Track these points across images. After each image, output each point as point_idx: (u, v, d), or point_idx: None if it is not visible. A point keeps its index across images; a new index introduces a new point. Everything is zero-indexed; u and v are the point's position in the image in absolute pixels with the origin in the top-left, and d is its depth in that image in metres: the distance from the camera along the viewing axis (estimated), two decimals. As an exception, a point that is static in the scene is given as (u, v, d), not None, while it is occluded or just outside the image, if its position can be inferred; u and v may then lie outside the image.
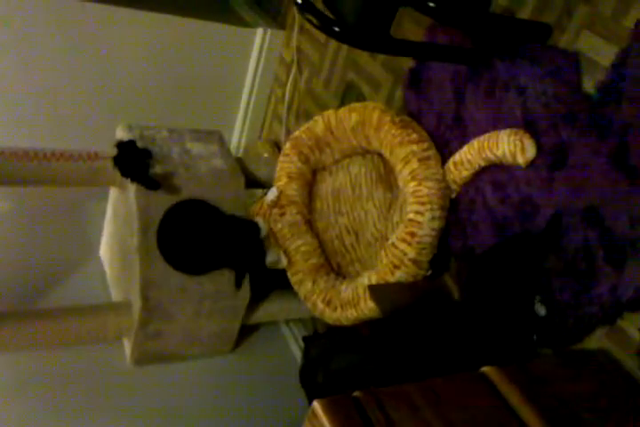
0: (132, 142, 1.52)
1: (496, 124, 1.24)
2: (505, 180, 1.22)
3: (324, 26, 1.14)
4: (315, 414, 0.85)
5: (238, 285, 1.59)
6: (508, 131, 1.19)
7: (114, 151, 1.51)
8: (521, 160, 1.16)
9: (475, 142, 1.26)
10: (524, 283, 1.15)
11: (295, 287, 1.58)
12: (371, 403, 0.85)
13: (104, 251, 1.91)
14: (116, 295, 1.76)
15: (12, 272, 1.78)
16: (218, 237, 1.55)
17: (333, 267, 1.60)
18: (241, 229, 1.58)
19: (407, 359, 1.13)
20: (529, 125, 1.17)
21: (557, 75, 1.13)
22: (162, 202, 1.55)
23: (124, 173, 1.50)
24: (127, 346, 1.63)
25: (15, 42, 1.86)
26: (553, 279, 1.11)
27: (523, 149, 1.15)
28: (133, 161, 1.50)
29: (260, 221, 1.60)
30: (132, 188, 1.55)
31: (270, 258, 1.57)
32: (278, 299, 1.77)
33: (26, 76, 1.92)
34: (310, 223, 1.64)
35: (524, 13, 1.24)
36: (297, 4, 1.17)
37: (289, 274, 1.60)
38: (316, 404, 0.84)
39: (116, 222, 1.79)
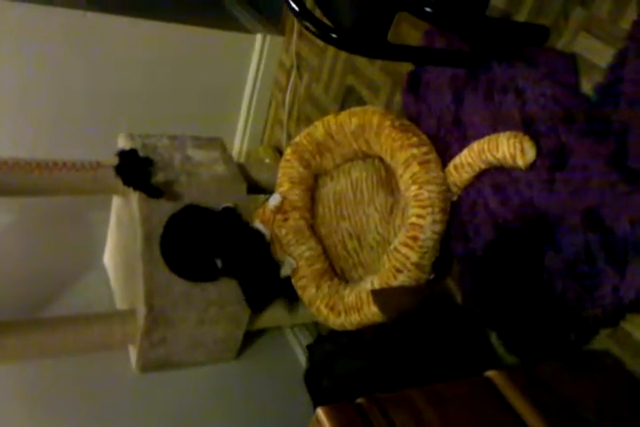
0: (133, 151, 1.54)
1: (495, 126, 1.24)
2: (505, 182, 1.22)
3: (322, 33, 1.14)
4: (318, 421, 0.85)
5: (253, 306, 1.58)
6: (507, 133, 1.19)
7: (115, 160, 1.52)
8: (521, 162, 1.16)
9: (475, 145, 1.26)
10: (526, 283, 1.15)
11: (299, 293, 1.58)
12: (373, 409, 0.85)
13: (108, 259, 1.92)
14: (120, 303, 1.77)
15: (16, 282, 1.78)
16: (221, 245, 1.55)
17: (337, 271, 1.60)
18: (246, 238, 1.58)
19: (411, 364, 1.13)
20: (528, 128, 1.17)
21: (555, 77, 1.14)
22: (164, 209, 1.56)
23: (126, 182, 1.51)
24: (132, 353, 1.64)
25: (18, 52, 1.87)
26: (555, 281, 1.11)
27: (522, 152, 1.15)
28: (135, 169, 1.51)
29: (260, 226, 1.60)
30: (134, 196, 1.55)
31: (286, 270, 1.56)
32: (282, 305, 1.77)
33: (27, 85, 1.94)
34: (313, 228, 1.64)
35: (521, 16, 1.24)
36: (294, 11, 1.17)
37: (293, 280, 1.60)
38: (319, 410, 0.85)
39: (119, 230, 1.80)
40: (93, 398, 1.57)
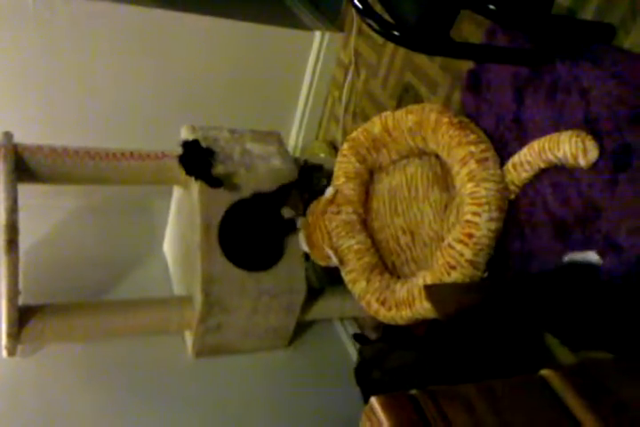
0: (196, 142, 1.58)
1: (557, 125, 1.23)
2: (566, 182, 1.21)
3: (385, 30, 1.15)
4: (372, 410, 0.87)
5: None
6: (569, 132, 1.18)
7: (179, 150, 1.57)
8: (582, 162, 1.14)
9: (535, 144, 1.25)
10: (583, 285, 1.14)
11: (349, 286, 1.60)
12: (427, 401, 0.86)
13: (167, 246, 1.99)
14: (178, 289, 1.84)
15: (80, 265, 1.88)
16: (274, 231, 1.59)
17: (388, 266, 1.61)
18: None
19: (462, 360, 1.14)
20: (591, 127, 1.15)
21: (621, 76, 1.11)
22: (223, 200, 1.61)
23: (189, 172, 1.56)
24: (188, 339, 1.70)
25: (86, 49, 1.95)
26: (615, 282, 1.09)
27: (584, 151, 1.14)
28: (197, 160, 1.56)
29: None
30: (195, 186, 1.61)
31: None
32: (333, 297, 1.80)
33: (97, 78, 2.02)
34: (365, 223, 1.66)
35: (587, 14, 1.22)
36: (357, 8, 1.18)
37: (342, 273, 1.62)
38: (373, 400, 0.86)
39: (179, 220, 1.87)
40: (150, 380, 1.63)
